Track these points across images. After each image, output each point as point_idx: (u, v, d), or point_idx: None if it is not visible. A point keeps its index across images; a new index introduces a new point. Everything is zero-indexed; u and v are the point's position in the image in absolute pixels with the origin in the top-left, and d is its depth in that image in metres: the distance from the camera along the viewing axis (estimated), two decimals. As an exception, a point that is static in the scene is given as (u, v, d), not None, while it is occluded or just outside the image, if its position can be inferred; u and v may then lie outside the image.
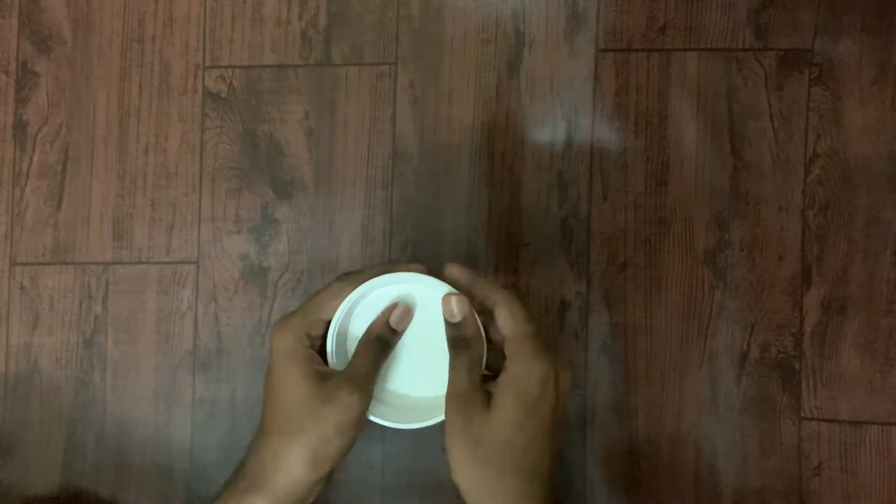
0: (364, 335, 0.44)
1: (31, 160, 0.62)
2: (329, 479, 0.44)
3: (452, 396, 0.42)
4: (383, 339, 0.44)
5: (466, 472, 0.41)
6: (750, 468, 0.56)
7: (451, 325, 0.43)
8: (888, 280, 0.56)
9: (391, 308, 0.44)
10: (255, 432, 0.43)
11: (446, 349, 0.43)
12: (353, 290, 0.43)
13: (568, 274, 0.58)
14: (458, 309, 0.43)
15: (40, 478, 0.61)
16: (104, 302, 0.61)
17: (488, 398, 0.41)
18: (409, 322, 0.45)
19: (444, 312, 0.44)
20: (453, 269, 0.45)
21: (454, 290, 0.44)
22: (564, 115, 0.59)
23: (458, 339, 0.43)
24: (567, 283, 0.58)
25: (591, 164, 0.58)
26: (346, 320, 0.45)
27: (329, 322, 0.44)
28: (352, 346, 0.45)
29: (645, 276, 0.58)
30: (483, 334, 0.43)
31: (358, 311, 0.45)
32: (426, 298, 0.45)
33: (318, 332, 0.44)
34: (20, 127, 0.62)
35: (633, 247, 0.58)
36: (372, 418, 0.44)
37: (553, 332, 0.58)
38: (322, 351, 0.44)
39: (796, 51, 0.57)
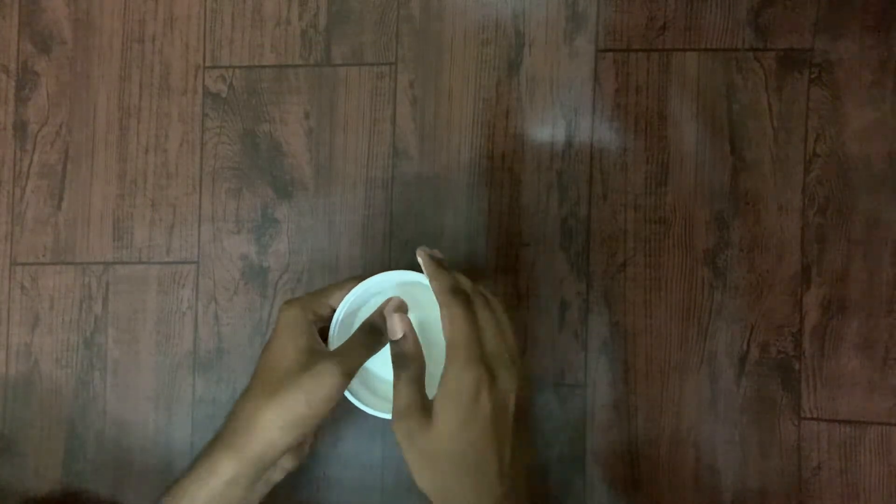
0: (362, 323, 0.47)
1: (31, 160, 0.62)
2: (301, 454, 0.47)
3: (395, 412, 0.43)
4: (375, 327, 0.46)
5: (423, 480, 0.43)
6: (750, 468, 0.56)
7: (393, 343, 0.46)
8: (888, 280, 0.56)
9: (388, 300, 0.47)
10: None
11: (441, 345, 0.45)
12: (345, 291, 0.47)
13: (568, 274, 0.58)
14: (399, 328, 0.45)
15: (40, 478, 0.61)
16: (104, 302, 0.61)
17: (430, 409, 0.43)
18: (395, 305, 0.47)
19: (388, 330, 0.46)
20: (420, 256, 0.46)
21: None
22: (564, 115, 0.59)
23: (399, 356, 0.45)
24: (567, 283, 0.58)
25: (591, 164, 0.58)
26: (352, 315, 0.48)
27: (334, 310, 0.47)
28: None
29: (645, 276, 0.58)
30: (422, 351, 0.46)
31: (364, 310, 0.48)
32: (426, 297, 0.46)
33: (324, 312, 0.47)
34: (20, 127, 0.62)
35: (633, 247, 0.58)
36: (360, 406, 0.46)
37: (553, 332, 0.58)
38: (324, 336, 0.47)
39: (796, 51, 0.57)
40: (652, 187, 0.58)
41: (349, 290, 0.46)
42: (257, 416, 0.43)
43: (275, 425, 0.43)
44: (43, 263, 0.61)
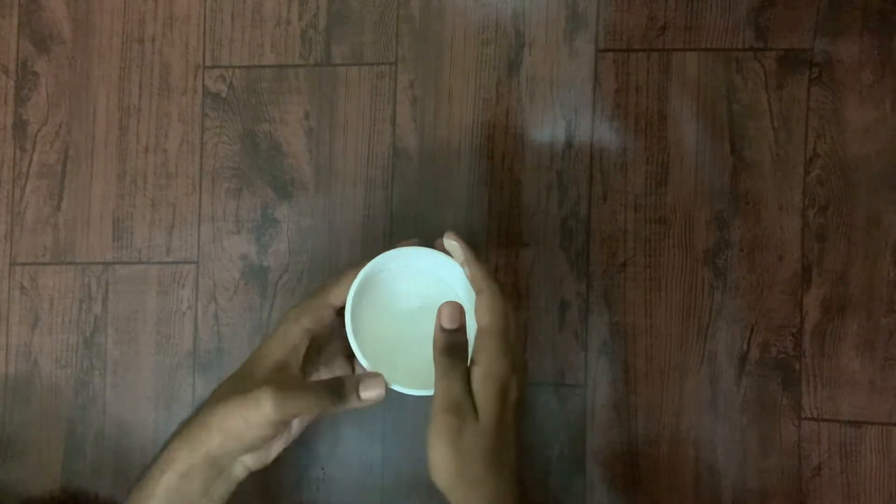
0: (341, 379, 0.45)
1: (31, 160, 0.62)
2: (265, 456, 0.46)
3: (447, 405, 0.43)
4: (336, 389, 0.44)
5: (449, 472, 0.42)
6: (750, 468, 0.56)
7: (446, 332, 0.44)
8: (888, 280, 0.56)
9: (367, 374, 0.45)
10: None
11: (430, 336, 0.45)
12: (359, 273, 0.46)
13: (568, 274, 0.58)
14: (459, 318, 0.44)
15: (40, 478, 0.61)
16: (104, 302, 0.61)
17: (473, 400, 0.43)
18: (376, 395, 0.45)
19: (442, 320, 0.45)
20: (451, 242, 0.46)
21: (456, 291, 0.46)
22: (564, 115, 0.59)
23: (453, 346, 0.44)
24: (567, 283, 0.58)
25: (591, 164, 0.58)
26: (365, 289, 0.47)
27: (337, 308, 0.46)
28: (364, 324, 0.46)
29: (645, 276, 0.58)
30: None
31: (371, 290, 0.47)
32: (428, 270, 0.48)
33: (326, 314, 0.46)
34: (20, 127, 0.62)
35: (633, 247, 0.58)
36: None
37: (553, 332, 0.58)
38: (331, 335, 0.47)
39: (796, 51, 0.57)
40: (652, 187, 0.58)
41: (348, 284, 0.46)
42: (212, 414, 0.43)
43: (220, 430, 0.43)
44: (43, 263, 0.61)
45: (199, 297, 0.60)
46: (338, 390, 0.44)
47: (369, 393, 0.44)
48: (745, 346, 0.57)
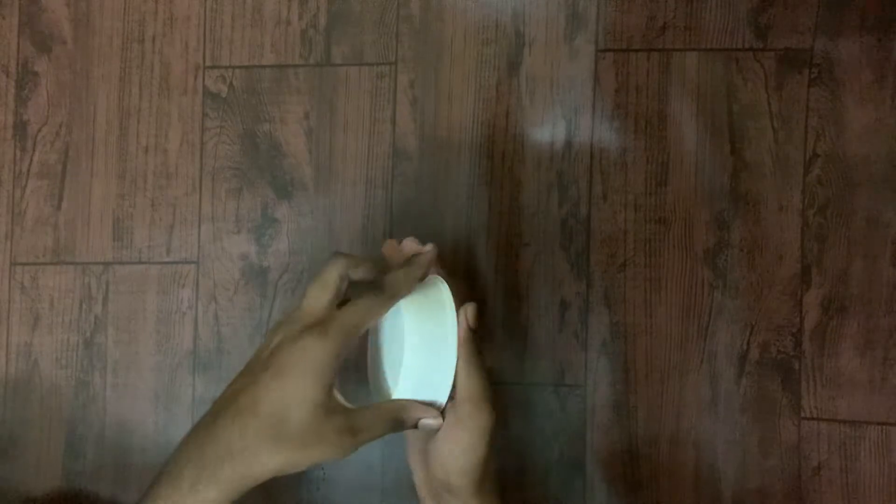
0: (392, 411, 0.44)
1: (31, 160, 0.62)
2: None
3: (489, 400, 0.43)
4: (402, 426, 0.44)
5: (479, 467, 0.43)
6: (750, 468, 0.56)
7: (473, 332, 0.45)
8: (888, 280, 0.56)
9: (424, 405, 0.44)
10: (225, 411, 0.41)
11: (441, 343, 0.44)
12: (386, 307, 0.44)
13: (568, 274, 0.58)
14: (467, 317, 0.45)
15: (40, 478, 0.61)
16: (104, 302, 0.61)
17: None
18: (436, 423, 0.44)
19: (469, 320, 0.45)
20: (413, 245, 0.48)
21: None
22: (564, 115, 0.59)
23: (479, 346, 0.45)
24: (567, 283, 0.58)
25: (591, 164, 0.58)
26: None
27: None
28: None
29: (645, 276, 0.58)
30: None
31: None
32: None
33: (354, 343, 0.44)
34: (20, 127, 0.62)
35: (633, 247, 0.58)
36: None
37: (553, 332, 0.58)
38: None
39: (796, 51, 0.57)
40: (652, 187, 0.58)
41: (374, 316, 0.44)
42: (258, 457, 0.40)
43: (272, 470, 0.40)
44: (43, 263, 0.61)
45: (199, 297, 0.60)
46: (400, 423, 0.44)
47: (430, 422, 0.44)
48: (744, 346, 0.57)
